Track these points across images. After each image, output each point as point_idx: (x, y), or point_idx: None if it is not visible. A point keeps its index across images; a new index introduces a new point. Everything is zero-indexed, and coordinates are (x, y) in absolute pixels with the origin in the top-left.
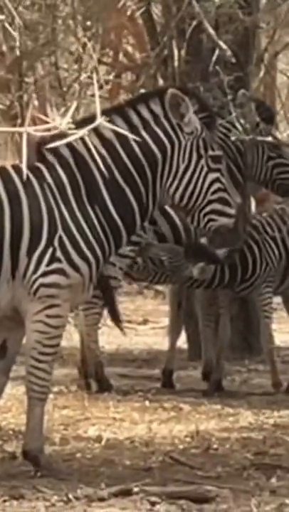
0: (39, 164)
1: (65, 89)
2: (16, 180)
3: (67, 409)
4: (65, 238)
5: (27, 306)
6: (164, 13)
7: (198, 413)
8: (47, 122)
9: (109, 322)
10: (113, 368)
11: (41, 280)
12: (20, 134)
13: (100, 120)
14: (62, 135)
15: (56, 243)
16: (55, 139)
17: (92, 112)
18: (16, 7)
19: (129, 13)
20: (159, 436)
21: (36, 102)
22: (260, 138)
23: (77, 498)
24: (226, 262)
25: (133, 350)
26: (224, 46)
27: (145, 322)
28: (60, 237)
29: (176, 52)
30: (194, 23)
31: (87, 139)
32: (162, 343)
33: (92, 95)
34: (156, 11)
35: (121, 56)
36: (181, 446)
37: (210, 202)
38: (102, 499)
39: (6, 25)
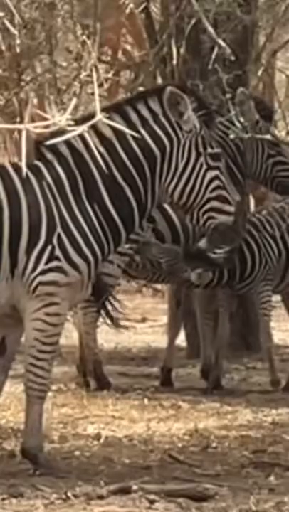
0: (38, 162)
1: (64, 87)
2: (14, 178)
3: (66, 407)
4: (63, 236)
5: (26, 304)
6: (162, 11)
7: (196, 411)
8: (46, 119)
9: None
10: (112, 366)
11: (40, 278)
12: (19, 132)
13: (100, 117)
14: (61, 132)
15: (55, 241)
16: (54, 136)
17: (91, 110)
18: (15, 5)
19: (128, 11)
20: (158, 435)
21: (35, 100)
22: (259, 136)
23: (76, 496)
24: (225, 267)
25: (132, 349)
26: (223, 44)
27: (144, 320)
28: (59, 235)
29: (174, 50)
30: (193, 21)
31: (86, 137)
32: (161, 341)
33: (92, 93)
34: (155, 9)
35: (120, 54)
36: (179, 445)
37: (209, 200)
38: (101, 497)
39: (6, 22)
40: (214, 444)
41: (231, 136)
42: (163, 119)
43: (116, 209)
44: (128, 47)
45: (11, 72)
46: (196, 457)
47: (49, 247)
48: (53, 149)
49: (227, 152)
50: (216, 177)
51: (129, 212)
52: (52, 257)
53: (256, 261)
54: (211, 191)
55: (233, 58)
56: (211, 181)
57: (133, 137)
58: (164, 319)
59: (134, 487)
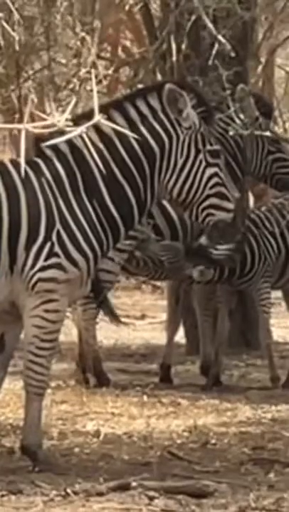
0: (37, 159)
1: (63, 84)
2: (14, 174)
3: (66, 404)
4: (63, 233)
5: (25, 300)
6: (162, 7)
7: (196, 408)
8: (45, 119)
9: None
10: (111, 363)
11: (39, 275)
12: (19, 130)
13: (98, 118)
14: (60, 132)
15: (54, 238)
16: (53, 136)
17: (90, 106)
18: (14, 1)
19: (127, 7)
20: (157, 431)
21: (35, 98)
22: (258, 132)
23: (75, 493)
24: (226, 265)
25: (131, 345)
26: (223, 41)
27: (143, 317)
28: (58, 232)
29: (174, 47)
30: (193, 17)
31: (85, 133)
32: (160, 338)
33: (91, 90)
34: (155, 5)
35: (119, 51)
36: (179, 441)
37: (208, 196)
38: (100, 494)
39: (3, 22)
40: (213, 441)
41: (231, 133)
42: (162, 116)
43: (115, 206)
44: (128, 43)
45: (9, 69)
46: (196, 454)
47: (48, 244)
48: (53, 146)
49: (226, 149)
50: (215, 174)
51: (128, 208)
52: (51, 254)
53: (256, 257)
54: (210, 188)
55: (233, 55)
56: (210, 178)
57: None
58: (164, 316)
59: (134, 484)
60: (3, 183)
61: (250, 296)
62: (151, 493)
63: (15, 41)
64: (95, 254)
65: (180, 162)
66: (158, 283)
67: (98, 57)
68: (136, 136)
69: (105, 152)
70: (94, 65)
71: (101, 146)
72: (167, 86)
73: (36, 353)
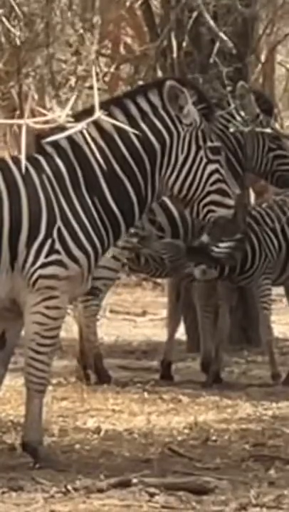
0: (38, 155)
1: (63, 81)
2: (14, 171)
3: (66, 400)
4: (63, 230)
5: (26, 297)
6: (162, 4)
7: (196, 404)
8: (45, 114)
9: (108, 314)
10: (112, 360)
11: (40, 271)
12: (19, 126)
13: (99, 114)
14: (61, 128)
15: (55, 235)
16: (54, 132)
17: (91, 103)
18: None
19: (128, 4)
20: (158, 428)
21: (35, 94)
22: (258, 129)
23: (76, 490)
24: (227, 264)
25: (132, 342)
26: (225, 38)
27: (144, 314)
28: (59, 229)
29: (175, 43)
30: (194, 14)
31: (85, 130)
32: (161, 335)
33: (91, 87)
34: (155, 2)
35: (120, 48)
36: (179, 438)
37: (209, 193)
38: (101, 490)
39: (4, 19)
40: (214, 438)
41: (231, 130)
42: (163, 113)
43: (116, 202)
44: (128, 40)
45: (10, 66)
46: (196, 450)
47: (49, 241)
48: (54, 142)
49: (227, 145)
50: (216, 170)
51: (129, 205)
52: (52, 251)
53: (256, 254)
54: (211, 184)
55: (234, 51)
56: (210, 175)
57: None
58: (164, 313)
59: (134, 480)
60: (4, 180)
61: (251, 292)
62: (152, 490)
63: (15, 37)
64: (96, 251)
65: (181, 159)
66: (159, 280)
67: (99, 53)
68: (136, 132)
69: (106, 149)
70: (95, 62)
71: (102, 142)
72: (168, 83)
73: (37, 349)
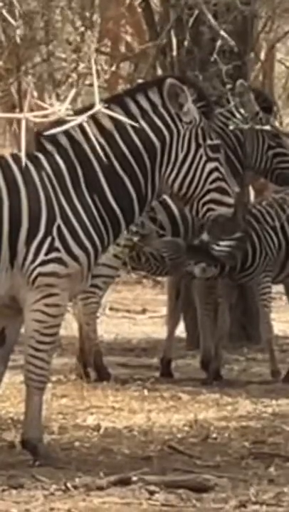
0: (38, 153)
1: (63, 78)
2: (14, 169)
3: (66, 398)
4: (63, 227)
5: (25, 295)
6: (162, 2)
7: (196, 402)
8: (45, 109)
9: (107, 311)
10: (112, 357)
11: (39, 269)
12: (19, 123)
13: (99, 107)
14: (60, 122)
15: (55, 232)
16: (53, 126)
17: (90, 102)
18: None
19: (127, 2)
20: (158, 425)
21: (34, 91)
22: (258, 127)
23: (75, 487)
24: (227, 262)
25: (132, 340)
26: (225, 35)
27: (144, 311)
28: (59, 227)
29: (174, 41)
30: (193, 12)
31: (86, 128)
32: (161, 332)
33: (91, 85)
34: (155, 0)
35: (120, 46)
36: (179, 435)
37: (208, 191)
38: (100, 488)
39: (5, 13)
40: (214, 435)
41: (231, 128)
42: (163, 111)
43: (116, 200)
44: (128, 38)
45: (9, 63)
46: (196, 448)
47: (49, 238)
48: (54, 140)
49: (227, 143)
50: (216, 168)
51: (128, 203)
52: (52, 248)
53: (257, 252)
54: (211, 183)
55: (236, 49)
56: (210, 173)
57: (133, 128)
58: (164, 310)
59: (134, 478)
60: (4, 178)
61: (251, 290)
62: (152, 488)
63: (15, 35)
64: (96, 249)
65: (180, 156)
66: (159, 278)
67: (98, 51)
68: (136, 126)
69: (106, 147)
70: (95, 59)
71: (102, 140)
72: (168, 81)
73: (37, 347)
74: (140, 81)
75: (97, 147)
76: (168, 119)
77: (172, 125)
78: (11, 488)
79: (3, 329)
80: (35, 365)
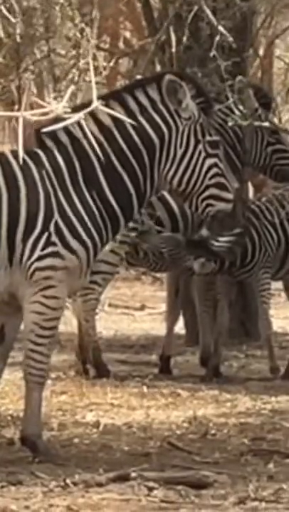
0: (38, 150)
1: (62, 75)
2: (14, 165)
3: (65, 395)
4: (61, 223)
5: (24, 291)
6: None
7: (195, 399)
8: (43, 107)
9: (106, 308)
10: (111, 354)
11: (36, 264)
12: (18, 120)
13: (97, 104)
14: (58, 119)
15: (52, 228)
16: (51, 124)
17: (89, 98)
18: None
19: None
20: (157, 422)
21: (34, 88)
22: (257, 123)
23: (75, 484)
24: (227, 258)
25: (131, 336)
26: (224, 32)
27: (143, 308)
28: (56, 222)
29: (173, 38)
30: (193, 8)
31: (84, 124)
32: (160, 329)
33: (90, 81)
34: None
35: (119, 42)
36: (178, 432)
37: (207, 187)
38: (99, 484)
39: (4, 11)
40: (213, 432)
41: (230, 124)
42: (161, 107)
43: (114, 196)
44: (127, 34)
45: (9, 60)
46: (195, 445)
47: (45, 234)
48: (53, 137)
49: (226, 140)
50: (215, 164)
51: (127, 199)
52: (48, 243)
53: (256, 248)
54: (210, 178)
55: (234, 46)
56: (209, 168)
57: (132, 125)
58: (163, 307)
59: (133, 474)
60: (3, 174)
61: (250, 286)
62: (151, 484)
63: (15, 31)
64: (95, 244)
65: (179, 153)
66: (158, 274)
67: (97, 48)
68: (134, 123)
69: (105, 143)
70: (93, 57)
71: (100, 137)
72: (167, 77)
73: (36, 341)
74: (139, 77)
75: (96, 144)
76: (167, 115)
77: (171, 121)
78: (10, 484)
79: (3, 326)
80: (34, 360)
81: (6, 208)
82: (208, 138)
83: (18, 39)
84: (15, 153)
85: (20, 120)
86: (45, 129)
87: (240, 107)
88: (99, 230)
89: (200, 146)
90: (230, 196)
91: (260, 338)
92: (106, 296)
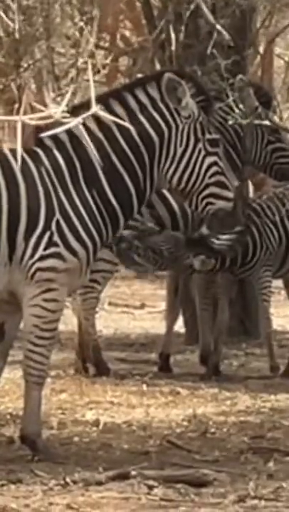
0: (37, 149)
1: (62, 73)
2: (13, 164)
3: (65, 393)
4: (62, 222)
5: (24, 290)
6: None
7: (195, 397)
8: (42, 110)
9: (106, 306)
10: (111, 352)
11: (38, 264)
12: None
13: (95, 109)
14: (57, 123)
15: (53, 227)
16: (53, 126)
17: (89, 96)
18: None
19: None
20: (157, 420)
21: (33, 87)
22: (257, 122)
23: (74, 482)
24: (228, 255)
25: (130, 335)
26: (222, 30)
27: (142, 306)
28: (58, 222)
29: (173, 36)
30: (192, 7)
31: (85, 123)
32: (159, 327)
33: (88, 80)
34: None
35: (118, 40)
36: (178, 430)
37: (208, 185)
38: (99, 483)
39: (1, 13)
40: (213, 430)
41: (230, 122)
42: (161, 105)
43: (114, 195)
44: (126, 33)
45: (9, 59)
46: (195, 443)
47: (47, 233)
48: (52, 136)
49: (226, 138)
50: (215, 163)
51: (127, 198)
52: (50, 243)
53: (257, 246)
54: (210, 177)
55: (232, 44)
56: (209, 167)
57: (131, 123)
58: (163, 305)
59: (133, 473)
60: (3, 173)
61: (250, 285)
62: (151, 482)
63: (15, 31)
64: (95, 244)
65: (179, 151)
66: (157, 272)
67: (97, 46)
68: (131, 128)
69: (105, 142)
70: (92, 55)
71: (100, 135)
72: (166, 75)
73: (36, 342)
74: (139, 76)
75: (96, 142)
76: (166, 113)
77: (171, 120)
78: (10, 483)
79: (3, 324)
80: (34, 360)
81: (6, 206)
82: (208, 136)
83: (17, 36)
84: (14, 152)
85: (19, 125)
86: (47, 133)
87: (241, 106)
88: (99, 228)
89: (200, 145)
90: (230, 195)
91: (259, 336)
92: (106, 295)
